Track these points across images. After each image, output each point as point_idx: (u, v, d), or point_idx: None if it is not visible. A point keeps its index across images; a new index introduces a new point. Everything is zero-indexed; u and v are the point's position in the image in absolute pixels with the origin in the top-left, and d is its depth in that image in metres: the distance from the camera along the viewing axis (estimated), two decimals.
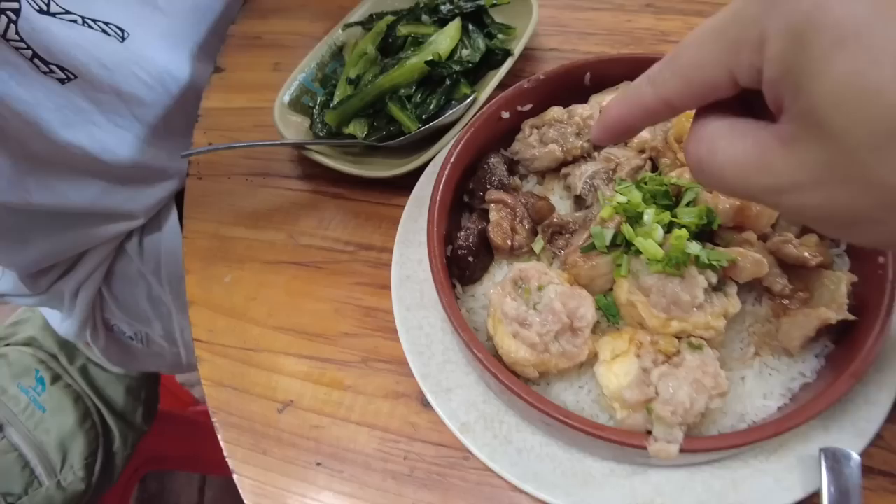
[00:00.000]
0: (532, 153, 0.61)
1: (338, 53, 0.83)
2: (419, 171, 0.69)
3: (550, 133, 0.61)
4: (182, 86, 0.89)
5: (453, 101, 0.75)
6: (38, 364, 1.15)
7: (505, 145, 0.67)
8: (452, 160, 0.61)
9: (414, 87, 0.75)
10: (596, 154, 0.62)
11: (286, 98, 0.77)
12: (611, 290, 0.54)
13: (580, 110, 0.62)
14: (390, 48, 0.82)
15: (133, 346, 1.06)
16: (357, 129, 0.75)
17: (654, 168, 0.61)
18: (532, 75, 0.64)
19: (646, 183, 0.56)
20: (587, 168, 0.60)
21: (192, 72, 0.91)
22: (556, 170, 0.63)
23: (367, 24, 0.85)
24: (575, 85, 0.65)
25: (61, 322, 1.02)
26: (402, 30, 0.78)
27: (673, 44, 0.82)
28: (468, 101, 0.72)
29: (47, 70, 0.70)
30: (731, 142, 0.28)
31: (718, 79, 0.28)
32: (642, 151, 0.61)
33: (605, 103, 0.63)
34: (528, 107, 0.65)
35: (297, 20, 0.93)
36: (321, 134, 0.76)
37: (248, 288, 0.70)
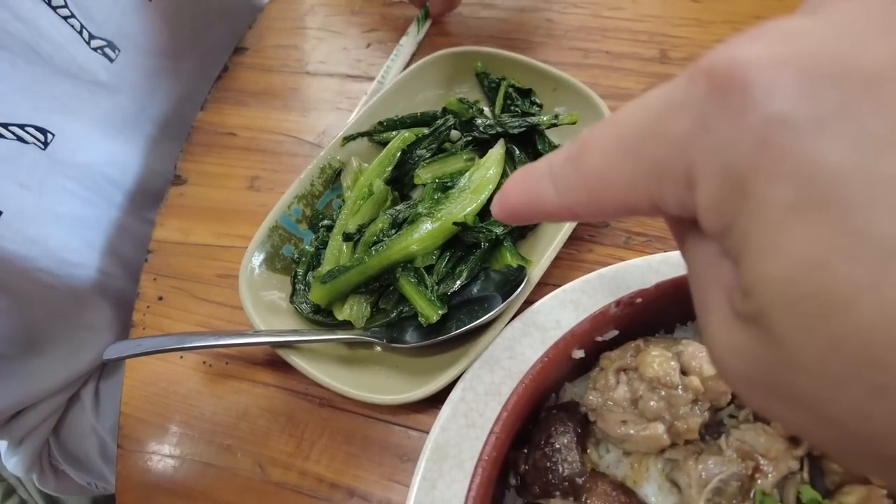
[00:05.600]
0: (622, 433, 0.39)
1: (334, 179, 0.61)
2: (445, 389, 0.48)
3: (652, 402, 0.39)
4: (128, 190, 0.72)
5: (492, 273, 0.53)
6: None
7: (571, 376, 0.45)
8: (497, 433, 0.39)
9: (437, 253, 0.53)
10: (722, 440, 0.39)
11: (256, 262, 0.55)
12: None
13: (688, 352, 0.40)
14: (406, 174, 0.59)
15: (87, 488, 0.88)
16: (354, 311, 0.53)
17: (813, 470, 0.39)
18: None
19: None
20: (711, 469, 0.38)
21: (143, 167, 0.72)
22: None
23: (374, 134, 0.62)
24: (680, 303, 0.43)
25: (6, 459, 0.85)
26: (423, 175, 0.55)
27: None
28: (518, 290, 0.49)
29: None
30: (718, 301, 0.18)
31: (635, 203, 0.18)
32: (795, 441, 0.39)
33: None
34: (610, 335, 0.43)
35: (285, 112, 0.70)
36: (305, 312, 0.55)
37: None
